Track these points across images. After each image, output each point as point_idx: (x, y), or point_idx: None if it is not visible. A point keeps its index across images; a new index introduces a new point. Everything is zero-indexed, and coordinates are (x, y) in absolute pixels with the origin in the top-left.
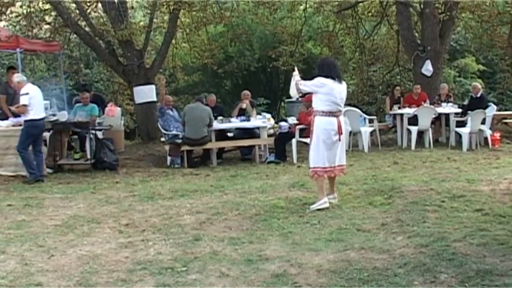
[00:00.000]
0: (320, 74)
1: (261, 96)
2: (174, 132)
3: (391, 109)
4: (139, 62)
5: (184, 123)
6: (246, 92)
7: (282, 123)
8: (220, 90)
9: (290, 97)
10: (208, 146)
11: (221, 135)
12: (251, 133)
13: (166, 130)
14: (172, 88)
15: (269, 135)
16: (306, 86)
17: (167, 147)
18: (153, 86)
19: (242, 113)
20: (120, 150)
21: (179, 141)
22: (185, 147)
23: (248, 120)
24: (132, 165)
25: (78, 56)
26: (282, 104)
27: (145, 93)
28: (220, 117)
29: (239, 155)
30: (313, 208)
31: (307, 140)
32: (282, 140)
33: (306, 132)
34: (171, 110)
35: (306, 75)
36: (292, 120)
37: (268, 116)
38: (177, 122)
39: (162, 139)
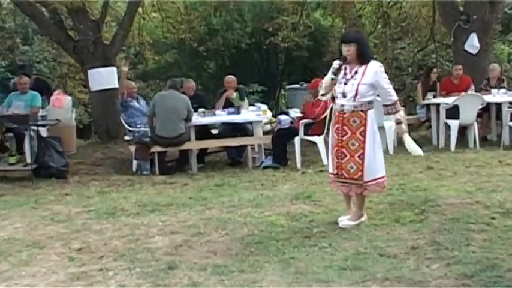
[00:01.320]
0: (370, 55)
1: (254, 82)
2: (141, 128)
3: (424, 98)
4: (96, 37)
5: (154, 117)
6: (230, 77)
7: (282, 117)
8: (202, 74)
9: (294, 82)
10: (186, 146)
11: (203, 132)
12: (242, 130)
13: (131, 126)
14: (139, 71)
15: (265, 133)
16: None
17: (133, 148)
18: (114, 69)
19: (230, 103)
20: (70, 152)
21: (148, 140)
22: (156, 148)
23: (238, 113)
24: (86, 172)
25: (13, 28)
26: (282, 91)
27: (104, 78)
28: (201, 109)
29: (226, 158)
30: (349, 224)
31: (314, 139)
32: (281, 139)
33: (313, 128)
34: (137, 100)
35: (313, 54)
36: (294, 112)
37: (264, 107)
38: (145, 116)
39: (126, 137)
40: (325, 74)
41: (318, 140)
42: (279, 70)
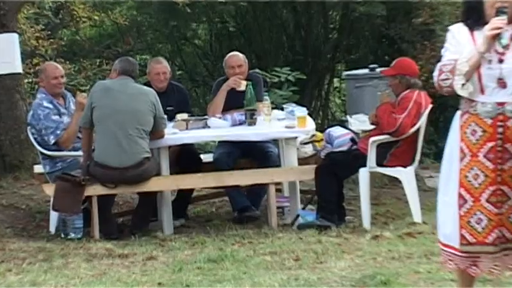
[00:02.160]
0: None
1: (282, 65)
2: (67, 153)
3: None
4: None
5: (90, 130)
6: (236, 56)
7: (335, 131)
8: (183, 48)
9: (358, 66)
10: (152, 186)
11: (185, 158)
12: (259, 155)
13: (48, 147)
14: (63, 44)
15: (302, 160)
16: None
17: (50, 190)
18: (14, 36)
19: (236, 104)
20: None
21: (80, 173)
22: (94, 190)
23: (251, 123)
24: None
25: None
26: (335, 83)
27: None
28: (181, 115)
29: (229, 209)
30: None
31: (397, 172)
32: (334, 172)
33: (396, 152)
34: (63, 100)
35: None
36: (359, 122)
37: (302, 112)
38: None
39: (39, 168)
40: (422, 48)
41: (404, 175)
42: (329, 42)
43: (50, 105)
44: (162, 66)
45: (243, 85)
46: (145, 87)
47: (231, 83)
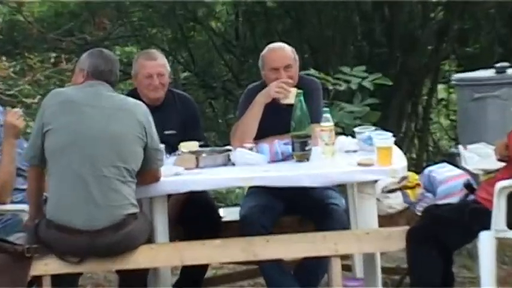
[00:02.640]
0: None
1: (354, 63)
2: (8, 206)
3: None
4: None
5: (38, 166)
6: (282, 51)
7: (439, 172)
8: (192, 36)
9: (475, 67)
10: (140, 259)
11: (197, 214)
12: (314, 211)
13: None
14: (3, 25)
15: (384, 218)
16: None
17: None
18: None
19: (280, 125)
20: None
21: (20, 240)
22: (46, 266)
23: (302, 157)
24: None
25: None
26: (437, 91)
27: None
28: (188, 144)
29: (262, 287)
30: None
31: None
32: (437, 237)
33: None
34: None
35: None
36: (478, 158)
37: (385, 140)
38: (20, 169)
39: None
40: None
41: None
42: (431, 26)
43: None
44: (157, 64)
45: (291, 96)
46: (130, 99)
47: (271, 92)
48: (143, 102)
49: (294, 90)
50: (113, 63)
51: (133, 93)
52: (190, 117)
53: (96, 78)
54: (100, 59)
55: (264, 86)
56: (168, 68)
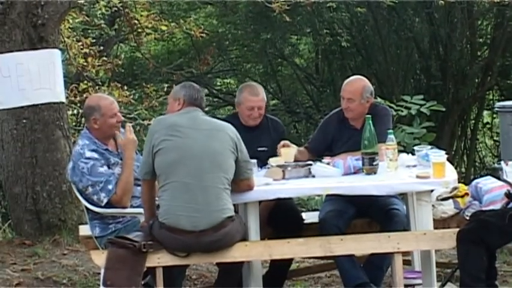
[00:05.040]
0: None
1: (414, 93)
2: (121, 210)
3: None
4: None
5: (151, 180)
6: (355, 81)
7: (484, 183)
8: (280, 70)
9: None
10: (236, 253)
11: (283, 217)
12: (380, 215)
13: (98, 202)
14: (119, 64)
15: (438, 222)
16: None
17: (100, 258)
18: (56, 53)
19: (352, 144)
20: None
21: (138, 237)
22: (159, 259)
23: (370, 171)
24: None
25: None
26: (483, 116)
27: (30, 77)
28: (276, 159)
29: (339, 285)
30: None
31: None
32: (482, 238)
33: None
34: (115, 139)
35: None
36: None
37: (439, 157)
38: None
39: (86, 229)
40: None
41: None
42: (478, 62)
43: (95, 155)
44: (259, 100)
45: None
46: (219, 121)
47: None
48: (242, 124)
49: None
50: (201, 93)
51: (234, 116)
52: (279, 137)
53: (192, 105)
54: (192, 89)
55: (341, 115)
56: (265, 101)
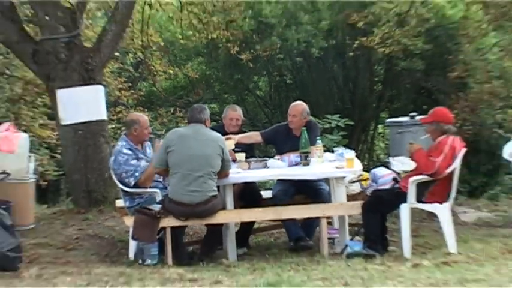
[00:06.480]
0: None
1: (333, 113)
2: (148, 189)
3: None
4: (71, 36)
5: (165, 168)
6: (298, 105)
7: (379, 172)
8: (245, 98)
9: (400, 114)
10: (218, 218)
11: (247, 195)
12: (312, 192)
13: (128, 184)
14: (142, 93)
15: (351, 197)
16: None
17: (130, 222)
18: (100, 88)
19: (294, 146)
20: (26, 225)
21: (157, 208)
22: (169, 222)
23: (305, 164)
24: (52, 260)
25: None
26: (379, 129)
27: (83, 104)
28: (240, 155)
29: (285, 239)
30: None
31: (434, 208)
32: (378, 208)
33: (433, 190)
34: (142, 143)
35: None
36: (401, 164)
37: (350, 155)
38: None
39: (120, 202)
40: (457, 99)
41: (441, 210)
42: (374, 93)
43: (129, 152)
44: (236, 114)
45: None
46: (214, 134)
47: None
48: (226, 132)
49: (303, 130)
50: (201, 110)
51: (222, 126)
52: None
53: (194, 122)
54: (191, 112)
55: (287, 127)
56: (242, 116)
